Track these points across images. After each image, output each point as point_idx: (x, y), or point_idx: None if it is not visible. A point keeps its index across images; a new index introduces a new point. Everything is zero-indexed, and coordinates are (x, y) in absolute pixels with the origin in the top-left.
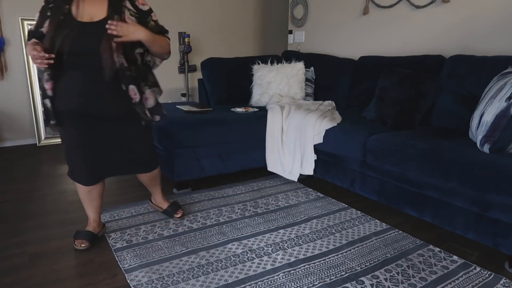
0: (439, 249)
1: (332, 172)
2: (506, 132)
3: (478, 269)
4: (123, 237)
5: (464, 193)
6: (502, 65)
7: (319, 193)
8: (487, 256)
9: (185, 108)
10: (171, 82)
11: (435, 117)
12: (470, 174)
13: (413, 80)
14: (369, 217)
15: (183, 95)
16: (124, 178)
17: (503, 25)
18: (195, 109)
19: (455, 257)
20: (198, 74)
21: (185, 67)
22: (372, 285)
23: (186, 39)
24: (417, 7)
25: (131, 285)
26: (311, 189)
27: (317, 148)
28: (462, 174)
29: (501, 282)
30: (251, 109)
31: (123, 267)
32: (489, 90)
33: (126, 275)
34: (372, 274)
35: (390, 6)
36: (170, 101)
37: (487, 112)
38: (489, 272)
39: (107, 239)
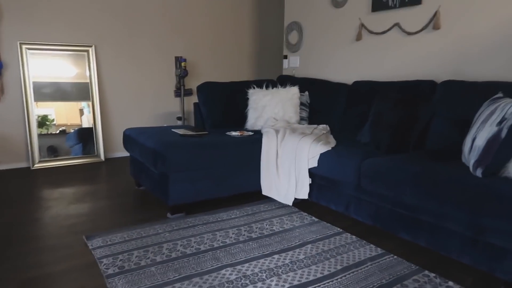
0: (434, 275)
1: (327, 196)
2: (498, 157)
3: None
4: (115, 262)
5: (458, 217)
6: (492, 90)
7: (314, 217)
8: (483, 281)
9: (181, 131)
10: (167, 105)
11: (429, 141)
12: (464, 198)
13: (406, 105)
14: (364, 241)
15: (179, 118)
16: (117, 202)
17: (492, 52)
18: (190, 132)
19: (450, 283)
20: (194, 98)
21: (181, 91)
22: None
23: (183, 64)
24: (409, 33)
25: None
26: (306, 213)
27: (312, 172)
28: (456, 198)
29: None
30: (246, 133)
31: None
32: (480, 114)
33: None
34: None
35: (383, 33)
36: (165, 125)
37: (479, 136)
38: None
39: (99, 265)
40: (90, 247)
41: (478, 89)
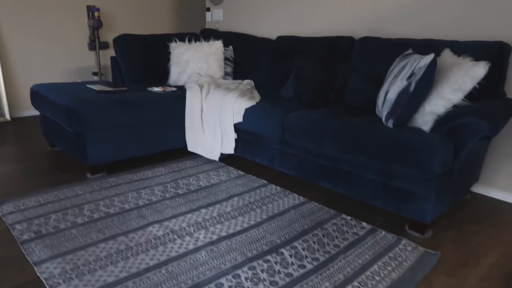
0: (350, 218)
1: (252, 150)
2: (407, 108)
3: (383, 233)
4: (30, 227)
5: (371, 165)
6: (404, 46)
7: (240, 171)
8: (392, 220)
9: (97, 87)
10: (81, 59)
11: (347, 96)
12: (376, 148)
13: (327, 61)
14: (288, 192)
15: (95, 73)
16: (29, 164)
17: (405, 11)
18: (108, 88)
19: (364, 224)
20: (111, 52)
21: (96, 44)
22: (291, 255)
23: (96, 13)
24: None
25: (41, 278)
26: (232, 168)
27: (237, 127)
28: (369, 148)
29: (402, 243)
30: (169, 89)
31: (31, 260)
32: (393, 70)
33: (35, 268)
34: (291, 245)
35: None
36: (80, 80)
37: (391, 90)
38: (392, 235)
39: (11, 231)
40: (0, 214)
41: (392, 45)
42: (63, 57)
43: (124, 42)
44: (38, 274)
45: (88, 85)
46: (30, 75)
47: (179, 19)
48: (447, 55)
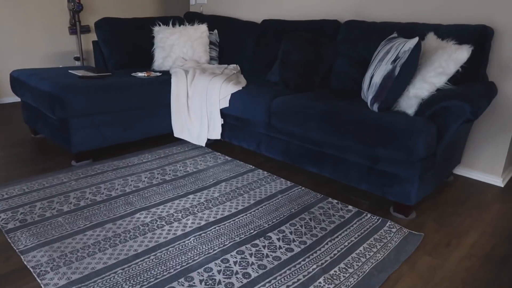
0: (336, 201)
1: (239, 135)
2: (392, 92)
3: (369, 215)
4: (15, 216)
5: (357, 149)
6: (389, 30)
7: (227, 157)
8: (377, 203)
9: (80, 73)
10: (62, 44)
11: (333, 80)
12: (362, 131)
13: (313, 44)
14: (275, 176)
15: (77, 58)
16: (11, 152)
17: None
18: (91, 74)
19: (350, 207)
20: (93, 36)
21: (76, 28)
22: (278, 239)
23: None
24: None
25: (28, 267)
26: (219, 153)
27: (223, 112)
28: (355, 132)
29: (387, 224)
30: (153, 74)
31: (17, 249)
32: (378, 53)
33: (22, 256)
34: (278, 229)
35: None
36: (61, 66)
37: (376, 74)
38: (377, 217)
39: None
40: None
41: (377, 29)
42: (43, 41)
43: (106, 25)
44: (25, 262)
45: (70, 71)
46: (9, 61)
47: (162, 2)
48: (431, 38)
